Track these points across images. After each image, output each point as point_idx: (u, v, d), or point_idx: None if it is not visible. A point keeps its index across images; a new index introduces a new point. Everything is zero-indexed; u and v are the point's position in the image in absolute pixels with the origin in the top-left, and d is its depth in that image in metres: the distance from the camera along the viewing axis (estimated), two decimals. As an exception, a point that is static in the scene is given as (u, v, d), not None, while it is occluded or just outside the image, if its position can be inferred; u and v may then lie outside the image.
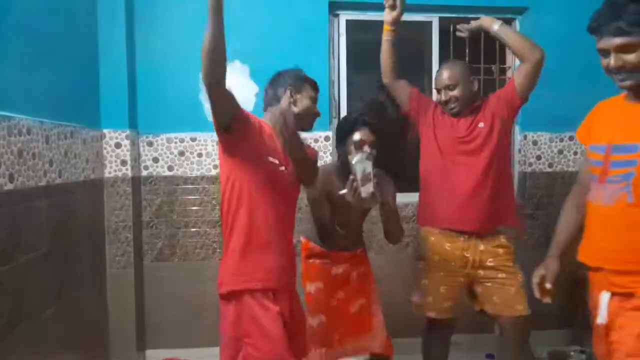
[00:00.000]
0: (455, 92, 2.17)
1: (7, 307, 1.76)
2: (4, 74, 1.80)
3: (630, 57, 1.43)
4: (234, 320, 1.69)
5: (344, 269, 2.24)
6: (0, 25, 1.80)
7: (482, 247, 2.18)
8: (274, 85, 1.86)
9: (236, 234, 1.70)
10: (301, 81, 1.86)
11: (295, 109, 1.82)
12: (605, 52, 1.51)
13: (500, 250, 2.18)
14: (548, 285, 1.72)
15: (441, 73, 2.24)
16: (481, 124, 2.18)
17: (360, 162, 1.85)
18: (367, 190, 1.85)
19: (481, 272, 2.20)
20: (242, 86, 2.96)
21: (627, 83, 1.47)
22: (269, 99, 1.87)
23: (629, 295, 1.46)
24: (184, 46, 2.92)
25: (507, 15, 3.22)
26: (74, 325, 2.35)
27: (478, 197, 2.15)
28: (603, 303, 1.52)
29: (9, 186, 1.79)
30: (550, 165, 3.21)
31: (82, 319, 2.46)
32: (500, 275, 2.18)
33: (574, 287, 3.10)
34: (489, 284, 2.20)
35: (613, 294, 1.50)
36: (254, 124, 1.73)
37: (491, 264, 2.18)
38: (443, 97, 2.21)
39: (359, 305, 2.26)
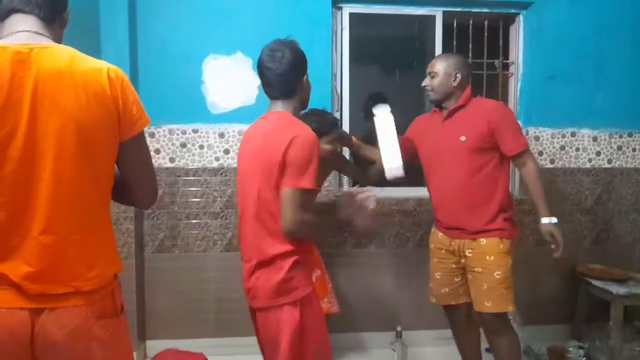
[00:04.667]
0: (434, 82, 2.29)
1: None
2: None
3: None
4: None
5: None
6: None
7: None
8: (291, 70, 1.66)
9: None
10: (306, 62, 1.75)
11: (305, 97, 1.78)
12: None
13: (483, 241, 2.21)
14: None
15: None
16: (463, 138, 2.21)
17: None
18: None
19: (464, 261, 2.28)
20: (245, 78, 2.96)
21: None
22: (289, 87, 1.68)
23: None
24: (187, 37, 2.92)
25: (511, 10, 3.21)
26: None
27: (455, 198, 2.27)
28: None
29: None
30: (552, 162, 3.20)
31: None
32: (477, 268, 2.23)
33: (573, 283, 3.12)
34: (470, 276, 2.28)
35: None
36: None
37: (470, 254, 2.24)
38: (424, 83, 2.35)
39: (315, 276, 2.42)
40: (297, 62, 1.68)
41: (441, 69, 2.26)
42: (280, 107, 1.70)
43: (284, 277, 1.57)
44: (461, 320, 2.45)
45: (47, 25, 1.18)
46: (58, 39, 1.21)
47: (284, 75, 1.65)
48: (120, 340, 1.22)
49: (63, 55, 1.11)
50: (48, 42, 1.14)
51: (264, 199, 1.58)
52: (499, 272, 2.17)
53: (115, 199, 1.30)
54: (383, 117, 2.27)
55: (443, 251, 2.35)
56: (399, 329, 2.79)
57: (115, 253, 1.26)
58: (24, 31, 1.13)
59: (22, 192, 1.07)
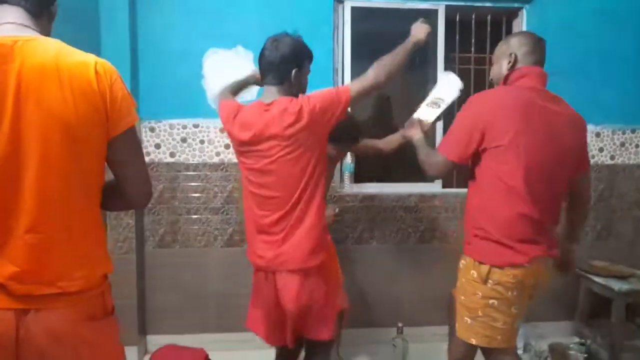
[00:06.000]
0: (491, 72, 1.97)
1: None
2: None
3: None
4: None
5: None
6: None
7: None
8: (284, 58, 1.75)
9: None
10: (308, 59, 1.86)
11: (300, 90, 1.83)
12: None
13: (467, 259, 1.84)
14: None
15: None
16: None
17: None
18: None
19: None
20: (246, 72, 2.93)
21: None
22: (279, 73, 1.76)
23: None
24: (187, 32, 2.90)
25: (514, 5, 3.18)
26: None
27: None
28: None
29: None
30: (554, 157, 3.19)
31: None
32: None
33: (575, 280, 3.11)
34: None
35: None
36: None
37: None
38: None
39: None
40: (293, 53, 1.76)
41: (497, 55, 1.90)
42: (275, 93, 1.77)
43: (318, 241, 1.75)
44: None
45: (34, 17, 1.12)
46: (46, 32, 1.16)
47: (276, 61, 1.75)
48: (110, 343, 1.19)
49: (48, 48, 1.06)
50: (33, 35, 1.09)
51: (316, 170, 1.73)
52: (464, 298, 1.83)
53: (107, 207, 1.23)
54: (450, 82, 2.04)
55: None
56: (400, 324, 2.78)
57: (106, 253, 1.21)
58: (8, 23, 1.08)
59: (7, 190, 1.03)
